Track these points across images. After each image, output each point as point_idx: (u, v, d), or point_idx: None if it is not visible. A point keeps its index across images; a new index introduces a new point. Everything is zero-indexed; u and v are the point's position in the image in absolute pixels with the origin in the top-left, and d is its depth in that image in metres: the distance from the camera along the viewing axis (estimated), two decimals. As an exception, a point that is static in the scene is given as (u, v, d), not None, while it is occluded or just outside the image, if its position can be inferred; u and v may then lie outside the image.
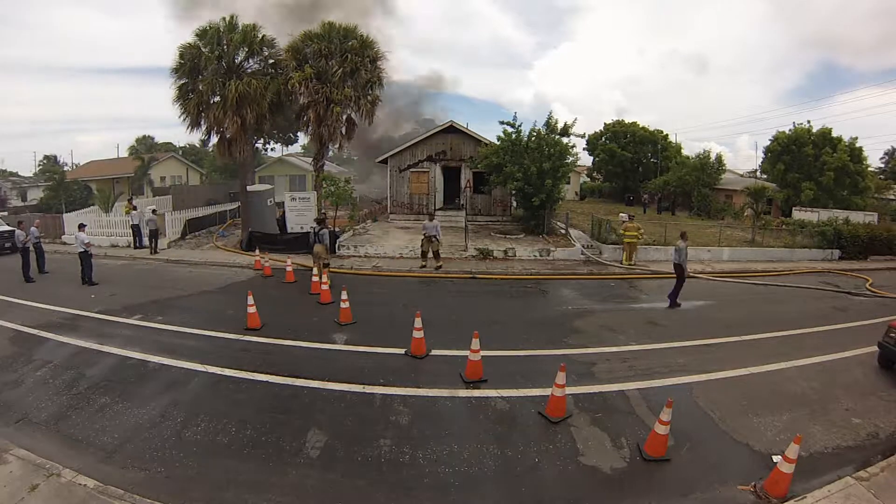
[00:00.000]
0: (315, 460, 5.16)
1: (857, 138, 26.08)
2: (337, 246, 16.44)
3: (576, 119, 18.88)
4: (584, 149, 40.88)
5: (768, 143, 29.29)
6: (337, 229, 17.80)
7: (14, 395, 6.55)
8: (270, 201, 19.59)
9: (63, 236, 19.68)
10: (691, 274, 14.45)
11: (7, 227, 17.45)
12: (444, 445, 5.40)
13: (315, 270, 11.84)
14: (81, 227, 13.63)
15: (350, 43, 17.49)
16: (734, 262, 16.53)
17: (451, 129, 22.59)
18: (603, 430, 5.77)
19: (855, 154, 25.57)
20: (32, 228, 14.40)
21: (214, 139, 17.59)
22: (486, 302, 11.56)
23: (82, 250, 12.63)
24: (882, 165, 39.22)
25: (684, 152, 38.75)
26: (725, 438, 5.69)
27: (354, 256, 16.10)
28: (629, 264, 15.22)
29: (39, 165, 44.63)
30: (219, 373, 7.13)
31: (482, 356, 6.95)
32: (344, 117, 18.14)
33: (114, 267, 14.83)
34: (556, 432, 5.70)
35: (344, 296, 9.46)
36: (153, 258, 16.19)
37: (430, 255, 14.17)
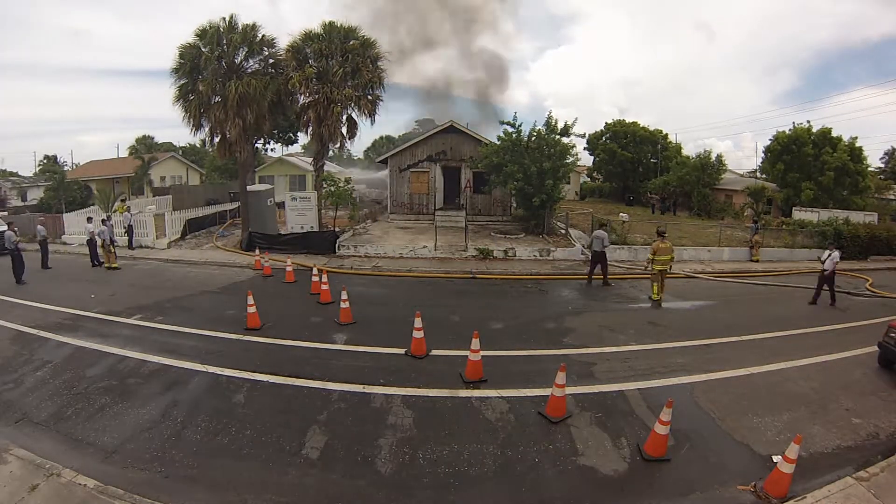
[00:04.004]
0: (315, 460, 5.16)
1: (856, 138, 26.06)
2: (337, 246, 16.46)
3: (576, 119, 18.92)
4: (584, 149, 40.91)
5: (768, 142, 29.31)
6: (337, 229, 17.83)
7: (14, 395, 6.55)
8: (270, 201, 19.59)
9: (63, 236, 19.68)
10: (691, 274, 14.48)
11: (3, 228, 17.38)
12: (444, 445, 5.40)
13: (315, 270, 11.84)
14: (97, 220, 16.02)
15: (351, 43, 17.48)
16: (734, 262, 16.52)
17: (451, 129, 22.59)
18: (603, 430, 5.77)
19: (855, 154, 25.54)
20: (39, 227, 14.93)
21: (215, 140, 17.56)
22: (487, 302, 11.55)
23: (88, 238, 15.13)
24: (882, 165, 39.18)
25: (684, 152, 38.77)
26: (725, 438, 5.69)
27: (354, 256, 16.10)
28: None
29: (39, 165, 44.57)
30: (219, 373, 7.13)
31: (482, 356, 6.95)
32: (344, 117, 18.13)
33: (83, 273, 14.68)
34: (556, 432, 5.70)
35: (344, 296, 9.46)
36: (152, 258, 16.19)
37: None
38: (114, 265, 14.64)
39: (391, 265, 14.81)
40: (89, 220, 15.95)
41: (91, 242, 14.98)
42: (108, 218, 16.63)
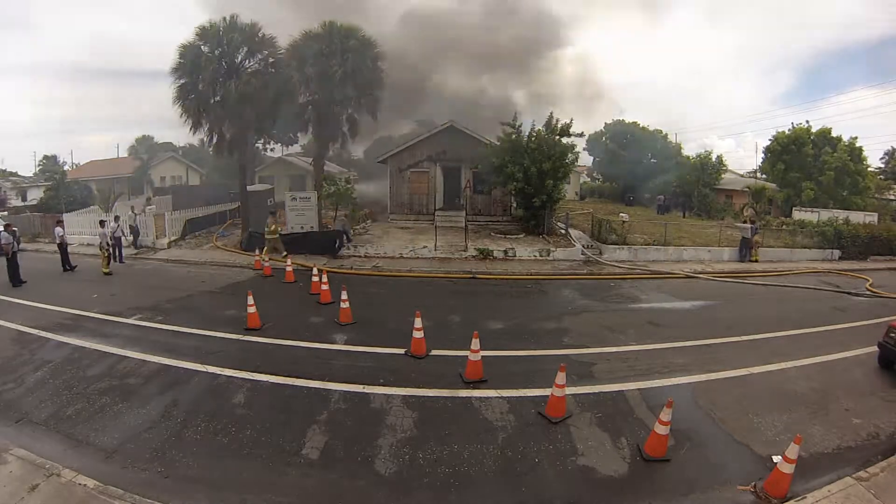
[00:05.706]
0: (315, 460, 5.17)
1: (856, 138, 26.06)
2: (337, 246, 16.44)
3: (572, 119, 18.82)
4: (584, 149, 40.89)
5: (768, 142, 29.31)
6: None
7: (14, 395, 6.55)
8: (270, 201, 19.59)
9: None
10: (691, 274, 14.49)
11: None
12: (444, 445, 5.40)
13: (315, 270, 11.84)
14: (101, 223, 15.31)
15: (351, 43, 17.48)
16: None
17: (451, 130, 22.55)
18: (603, 430, 5.77)
19: (855, 154, 25.55)
20: (58, 229, 14.69)
21: (214, 139, 17.55)
22: (487, 302, 11.55)
23: (99, 242, 14.45)
24: (882, 165, 39.12)
25: (684, 152, 38.78)
26: (725, 438, 5.69)
27: (354, 256, 16.09)
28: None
29: (39, 165, 44.50)
30: (219, 373, 7.13)
31: (482, 356, 6.95)
32: (344, 117, 18.14)
33: (114, 267, 14.77)
34: (556, 432, 5.70)
35: (344, 296, 9.46)
36: (152, 258, 16.17)
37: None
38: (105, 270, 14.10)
39: (391, 265, 14.81)
40: (102, 223, 15.11)
41: (116, 240, 15.02)
42: (116, 219, 16.44)
